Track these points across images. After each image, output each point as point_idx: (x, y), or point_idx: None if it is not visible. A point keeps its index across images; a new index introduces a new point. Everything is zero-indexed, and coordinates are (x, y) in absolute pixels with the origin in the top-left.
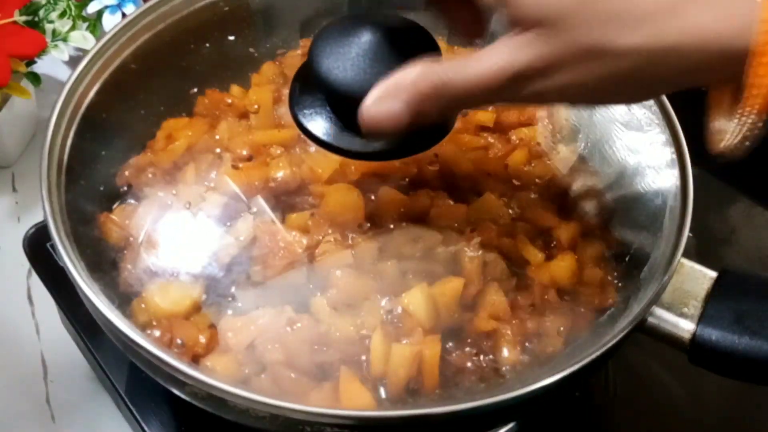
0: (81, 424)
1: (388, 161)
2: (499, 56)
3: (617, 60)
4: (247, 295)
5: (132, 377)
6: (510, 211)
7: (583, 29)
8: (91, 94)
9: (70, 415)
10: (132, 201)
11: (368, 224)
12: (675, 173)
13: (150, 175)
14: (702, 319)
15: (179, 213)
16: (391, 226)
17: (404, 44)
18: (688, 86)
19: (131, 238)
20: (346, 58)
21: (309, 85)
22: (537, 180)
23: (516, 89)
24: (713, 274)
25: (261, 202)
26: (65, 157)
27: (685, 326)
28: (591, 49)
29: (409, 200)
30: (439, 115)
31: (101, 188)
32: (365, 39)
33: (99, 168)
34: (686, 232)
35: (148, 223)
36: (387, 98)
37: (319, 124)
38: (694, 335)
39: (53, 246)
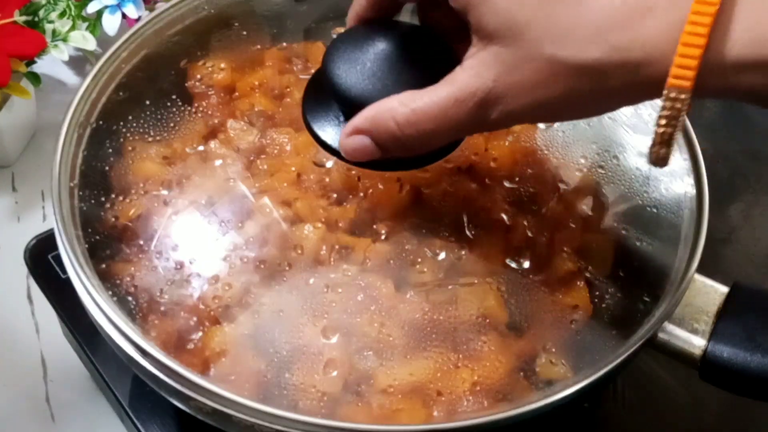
0: (81, 423)
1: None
2: (461, 81)
3: (576, 74)
4: (257, 300)
5: (135, 390)
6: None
7: (543, 41)
8: (103, 100)
9: (69, 414)
10: (140, 210)
11: (382, 226)
12: (691, 182)
13: (159, 180)
14: (713, 336)
15: (189, 218)
16: (405, 230)
17: (419, 52)
18: (646, 99)
19: (140, 247)
20: (361, 68)
21: (322, 94)
22: (549, 195)
23: (484, 114)
24: (725, 289)
25: (269, 203)
26: (77, 165)
27: (696, 342)
28: (551, 61)
29: (425, 205)
30: (420, 147)
31: (109, 197)
32: (380, 47)
33: (107, 176)
34: (700, 248)
35: (157, 230)
36: (356, 134)
37: (332, 133)
38: (705, 352)
39: (55, 257)
